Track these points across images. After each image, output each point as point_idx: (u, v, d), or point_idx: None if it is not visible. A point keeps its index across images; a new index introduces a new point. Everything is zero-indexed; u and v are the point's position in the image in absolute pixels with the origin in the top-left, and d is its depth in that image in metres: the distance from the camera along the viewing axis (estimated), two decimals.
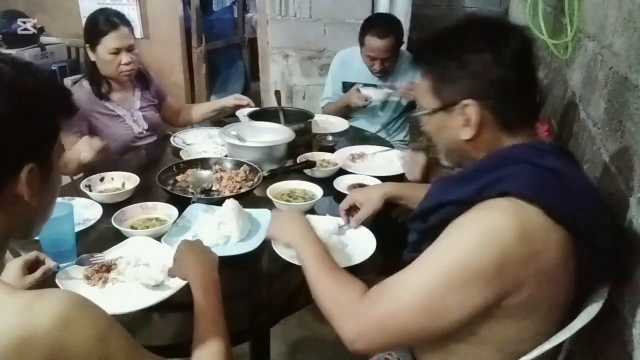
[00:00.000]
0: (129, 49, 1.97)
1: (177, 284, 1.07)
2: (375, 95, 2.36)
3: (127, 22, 2.00)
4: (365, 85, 2.43)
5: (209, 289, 0.93)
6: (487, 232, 0.80)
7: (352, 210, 1.40)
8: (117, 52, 1.93)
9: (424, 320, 0.81)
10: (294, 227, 1.11)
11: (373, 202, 1.35)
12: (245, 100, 2.24)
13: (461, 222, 0.85)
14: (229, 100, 2.29)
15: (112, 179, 1.64)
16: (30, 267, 1.04)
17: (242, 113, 2.24)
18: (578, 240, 0.83)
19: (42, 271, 1.04)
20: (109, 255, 1.20)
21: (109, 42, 1.92)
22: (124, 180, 1.63)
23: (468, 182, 0.90)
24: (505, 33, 0.92)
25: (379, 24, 2.36)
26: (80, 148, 1.71)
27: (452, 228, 0.85)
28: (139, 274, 1.11)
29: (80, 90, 1.95)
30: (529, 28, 0.97)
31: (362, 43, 2.39)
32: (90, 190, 1.54)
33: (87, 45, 1.96)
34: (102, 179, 1.63)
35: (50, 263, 1.07)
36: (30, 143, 0.68)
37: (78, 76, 2.09)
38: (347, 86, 2.56)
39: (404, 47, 2.55)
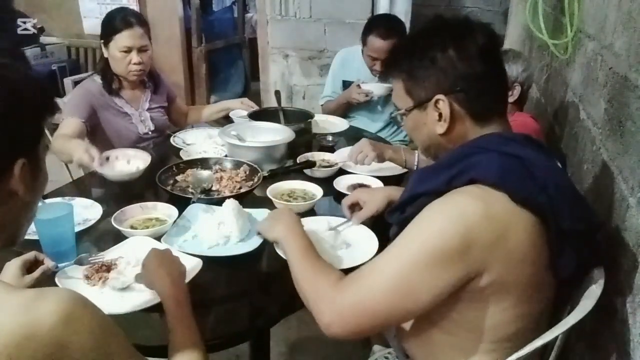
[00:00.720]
0: (141, 49, 1.97)
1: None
2: (376, 90, 2.36)
3: (143, 23, 2.02)
4: (364, 82, 2.44)
5: (180, 300, 0.94)
6: (453, 215, 0.84)
7: (354, 207, 1.41)
8: (128, 50, 1.95)
9: (394, 301, 0.84)
10: (281, 223, 1.15)
11: (377, 202, 1.37)
12: (250, 106, 2.23)
13: (429, 207, 0.88)
14: (235, 104, 2.30)
15: (117, 157, 1.75)
16: (29, 267, 1.04)
17: (236, 114, 2.24)
18: (546, 223, 0.86)
19: (41, 271, 1.04)
20: (109, 255, 1.20)
21: (121, 40, 1.94)
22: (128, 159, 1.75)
23: (439, 173, 0.94)
24: (470, 30, 0.96)
25: (382, 25, 2.36)
26: (78, 149, 1.65)
27: (422, 212, 0.89)
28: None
29: (92, 82, 2.00)
30: (491, 25, 1.00)
31: (364, 42, 2.40)
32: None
33: (102, 41, 1.99)
34: (107, 158, 1.71)
35: (49, 263, 1.07)
36: (21, 139, 0.70)
37: (80, 75, 2.12)
38: (347, 85, 2.56)
39: None
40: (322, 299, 0.90)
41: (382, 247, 1.29)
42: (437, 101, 0.95)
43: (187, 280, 1.07)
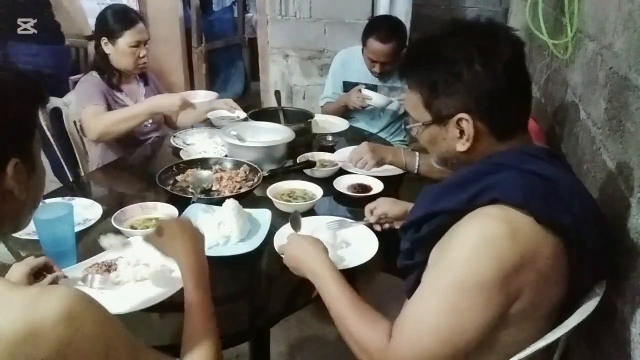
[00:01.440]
0: (146, 44, 2.07)
1: (176, 285, 1.07)
2: (376, 98, 2.35)
3: (142, 18, 2.11)
4: (367, 86, 2.44)
5: (199, 276, 0.92)
6: (482, 243, 0.81)
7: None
8: (137, 45, 2.02)
9: (447, 349, 0.81)
10: (310, 258, 1.07)
11: (395, 213, 1.36)
12: (233, 107, 2.19)
13: (455, 235, 0.85)
14: (219, 104, 2.27)
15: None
16: (36, 272, 1.03)
17: (215, 115, 2.22)
18: (569, 243, 0.85)
19: (50, 279, 1.02)
20: (109, 255, 1.20)
21: (131, 36, 2.00)
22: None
23: (458, 190, 0.89)
24: (496, 40, 0.90)
25: (383, 27, 2.34)
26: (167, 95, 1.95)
27: (448, 244, 0.86)
28: (137, 274, 1.12)
29: (91, 79, 2.02)
30: (517, 30, 0.95)
31: (364, 43, 2.39)
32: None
33: (104, 38, 2.01)
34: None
35: (58, 271, 1.05)
36: (11, 138, 0.70)
37: (80, 75, 2.14)
38: (347, 85, 2.55)
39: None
40: (370, 353, 0.87)
41: (382, 248, 1.29)
42: (459, 119, 0.90)
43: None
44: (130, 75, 2.13)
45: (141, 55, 2.05)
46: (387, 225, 1.38)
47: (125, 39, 2.00)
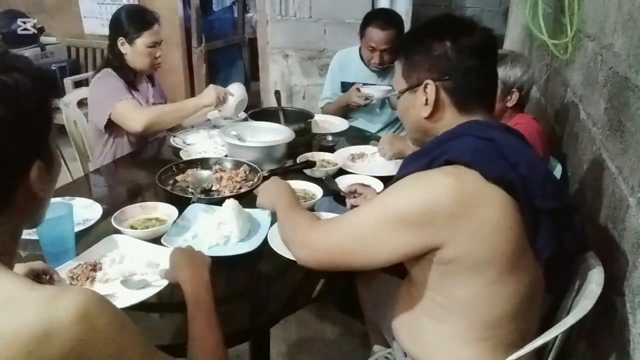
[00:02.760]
0: (160, 44, 2.10)
1: (161, 282, 1.07)
2: (375, 93, 2.35)
3: (158, 20, 2.12)
4: (365, 84, 2.43)
5: (199, 291, 0.95)
6: (423, 185, 0.91)
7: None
8: (154, 45, 2.05)
9: (355, 247, 0.96)
10: (273, 190, 1.30)
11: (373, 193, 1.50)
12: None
13: (406, 177, 0.96)
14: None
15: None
16: (35, 277, 1.02)
17: (213, 115, 2.24)
18: (516, 200, 0.89)
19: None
20: (92, 255, 1.19)
21: (150, 36, 2.03)
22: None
23: (421, 157, 1.00)
24: (471, 28, 1.03)
25: (381, 16, 2.37)
26: (207, 93, 1.99)
27: (399, 182, 0.97)
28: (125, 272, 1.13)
29: (110, 75, 2.02)
30: (491, 29, 1.06)
31: (362, 35, 2.39)
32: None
33: (121, 38, 2.02)
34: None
35: (57, 277, 1.05)
36: (34, 143, 0.70)
37: (80, 75, 2.14)
38: (345, 86, 2.55)
39: None
40: (298, 234, 1.07)
41: None
42: (425, 85, 1.02)
43: None
44: (141, 75, 2.15)
45: (157, 55, 2.08)
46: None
47: (144, 40, 2.02)
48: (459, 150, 0.93)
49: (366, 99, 2.34)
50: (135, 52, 2.03)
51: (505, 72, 1.62)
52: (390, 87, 2.36)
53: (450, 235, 0.88)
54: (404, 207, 0.91)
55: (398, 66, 1.10)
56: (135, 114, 1.93)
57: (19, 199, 0.69)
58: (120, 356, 0.66)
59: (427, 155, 0.98)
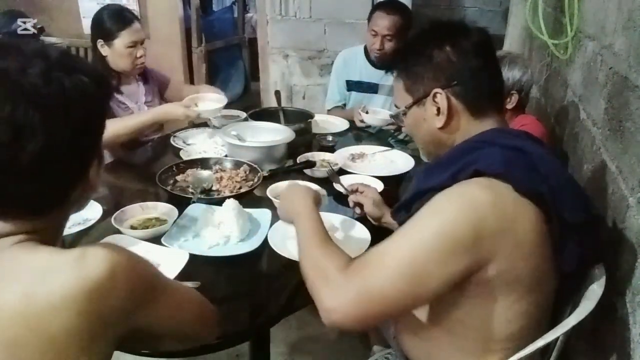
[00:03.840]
0: (142, 43, 2.05)
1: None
2: (374, 122, 2.27)
3: (137, 18, 2.09)
4: (368, 85, 2.43)
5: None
6: (464, 203, 0.84)
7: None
8: (134, 45, 2.00)
9: (404, 286, 0.82)
10: (294, 202, 1.13)
11: (374, 216, 1.42)
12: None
13: (440, 195, 0.88)
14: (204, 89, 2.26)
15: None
16: None
17: (215, 115, 2.23)
18: (548, 213, 0.86)
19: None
20: None
21: (127, 36, 1.98)
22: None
23: (443, 168, 0.94)
24: (465, 29, 1.01)
25: (389, 3, 2.39)
26: (174, 110, 1.93)
27: (432, 201, 0.88)
28: None
29: None
30: (484, 28, 1.05)
31: (369, 20, 2.40)
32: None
33: (100, 40, 1.99)
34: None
35: None
36: (97, 141, 0.75)
37: None
38: (350, 84, 2.56)
39: None
40: (327, 282, 0.85)
41: (375, 243, 1.29)
42: (434, 95, 0.98)
43: (176, 274, 1.10)
44: (129, 76, 2.11)
45: (138, 55, 2.02)
46: (358, 210, 1.44)
47: (122, 40, 1.98)
48: (489, 161, 0.88)
49: (362, 122, 2.28)
50: (115, 53, 1.99)
51: (504, 74, 1.61)
52: (389, 120, 2.30)
53: (495, 254, 0.83)
54: (450, 230, 0.82)
55: (398, 83, 1.06)
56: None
57: (77, 193, 0.74)
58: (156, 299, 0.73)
59: (451, 165, 0.93)
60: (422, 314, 1.01)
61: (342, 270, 0.85)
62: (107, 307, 0.65)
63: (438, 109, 0.99)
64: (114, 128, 1.87)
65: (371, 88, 2.52)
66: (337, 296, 0.83)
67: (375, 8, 2.41)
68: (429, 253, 0.82)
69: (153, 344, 0.89)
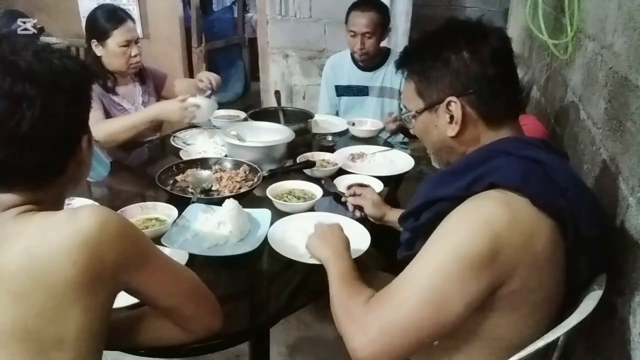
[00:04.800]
0: (136, 42, 2.02)
1: None
2: (363, 134, 2.21)
3: (130, 16, 2.06)
4: (358, 88, 2.45)
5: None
6: (480, 221, 0.82)
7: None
8: (127, 44, 1.98)
9: (427, 314, 0.80)
10: (327, 244, 1.10)
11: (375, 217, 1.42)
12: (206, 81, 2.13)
13: (454, 214, 0.86)
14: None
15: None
16: None
17: (214, 115, 2.22)
18: (564, 227, 0.85)
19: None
20: None
21: (120, 35, 1.96)
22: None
23: (457, 177, 0.91)
24: (483, 33, 0.95)
25: (363, 1, 2.37)
26: (172, 111, 1.90)
27: (446, 222, 0.86)
28: None
29: None
30: (505, 29, 0.99)
31: (346, 22, 2.38)
32: None
33: (94, 40, 1.98)
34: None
35: None
36: (84, 119, 0.84)
37: None
38: (339, 89, 2.55)
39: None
40: (351, 319, 0.85)
41: (375, 243, 1.30)
42: (449, 103, 0.94)
43: None
44: (125, 76, 2.08)
45: (132, 54, 2.00)
46: (358, 213, 1.44)
47: (115, 39, 1.95)
48: (506, 173, 0.86)
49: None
50: (108, 53, 1.97)
51: None
52: (376, 128, 2.27)
53: (514, 270, 0.82)
54: (468, 251, 0.80)
55: (409, 84, 1.01)
56: (94, 129, 1.87)
57: (71, 167, 0.82)
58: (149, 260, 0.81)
59: (464, 175, 0.90)
60: None
61: (363, 304, 0.86)
62: (98, 258, 0.72)
63: (451, 117, 0.95)
64: (110, 127, 1.87)
65: (361, 91, 2.51)
66: (362, 335, 0.82)
67: (350, 9, 2.38)
68: (447, 277, 0.80)
69: (155, 331, 0.92)
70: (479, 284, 0.80)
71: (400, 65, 1.04)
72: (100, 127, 1.83)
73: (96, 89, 1.95)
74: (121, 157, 2.00)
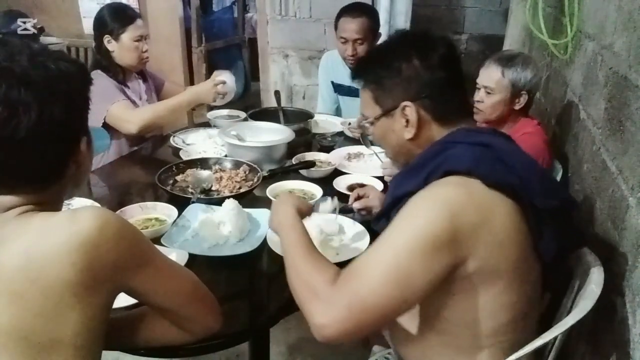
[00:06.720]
0: (146, 38, 2.10)
1: None
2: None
3: (139, 14, 2.17)
4: (350, 89, 2.45)
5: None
6: (439, 202, 0.86)
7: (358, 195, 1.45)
8: (140, 39, 2.05)
9: (393, 292, 0.83)
10: (279, 214, 1.10)
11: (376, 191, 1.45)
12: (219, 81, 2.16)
13: (415, 198, 0.90)
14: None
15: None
16: None
17: (212, 115, 2.25)
18: (520, 203, 0.89)
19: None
20: None
21: (135, 30, 2.03)
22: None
23: (416, 172, 0.97)
24: (431, 41, 1.03)
25: (352, 7, 2.35)
26: (205, 92, 2.05)
27: (407, 205, 0.90)
28: None
29: (100, 77, 2.00)
30: (448, 36, 1.09)
31: (336, 28, 2.36)
32: None
33: (107, 36, 2.02)
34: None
35: None
36: (82, 121, 0.83)
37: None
38: (335, 87, 2.54)
39: None
40: (317, 297, 0.85)
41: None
42: (404, 108, 1.00)
43: None
44: (131, 72, 2.14)
45: (144, 49, 2.08)
46: (364, 212, 1.42)
47: (129, 34, 2.02)
48: (457, 160, 0.91)
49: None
50: (122, 48, 2.03)
51: (517, 74, 1.60)
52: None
53: (474, 248, 0.85)
54: (430, 230, 0.83)
55: (366, 93, 1.07)
56: (130, 116, 1.95)
57: (70, 169, 0.82)
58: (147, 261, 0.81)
59: (422, 169, 0.96)
60: (411, 318, 1.02)
61: (330, 284, 0.85)
62: (97, 260, 0.72)
63: (407, 121, 1.01)
64: (155, 109, 2.01)
65: (353, 92, 2.48)
66: (329, 312, 0.83)
67: (339, 15, 2.34)
68: (411, 255, 0.83)
69: (155, 331, 0.92)
70: (440, 261, 0.84)
71: (355, 75, 1.11)
72: (143, 110, 2.01)
73: (113, 82, 2.02)
74: (127, 152, 2.04)
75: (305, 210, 1.16)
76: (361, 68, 1.10)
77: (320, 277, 0.88)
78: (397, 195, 1.00)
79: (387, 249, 0.86)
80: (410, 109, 1.00)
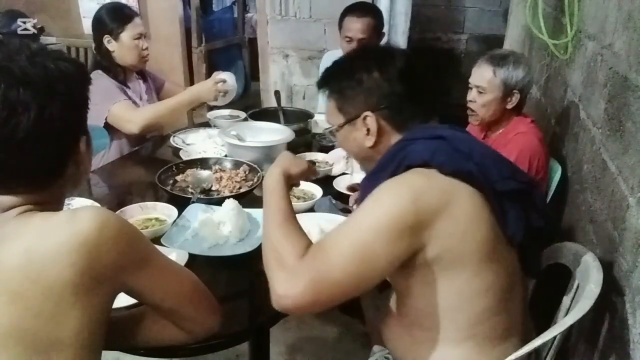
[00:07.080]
0: (145, 36, 2.11)
1: None
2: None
3: (137, 13, 2.17)
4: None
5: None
6: (403, 188, 0.91)
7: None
8: (139, 37, 2.06)
9: (355, 269, 0.86)
10: (268, 176, 1.10)
11: None
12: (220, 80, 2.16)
13: (381, 186, 0.94)
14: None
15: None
16: None
17: (212, 115, 2.25)
18: (480, 188, 0.92)
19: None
20: None
21: (134, 28, 2.04)
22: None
23: (381, 172, 1.01)
24: (391, 55, 1.09)
25: (357, 7, 2.36)
26: (206, 91, 2.04)
27: (373, 192, 0.93)
28: None
29: (101, 77, 2.00)
30: (407, 51, 1.12)
31: (340, 27, 2.36)
32: None
33: (107, 36, 2.02)
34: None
35: None
36: (81, 120, 0.84)
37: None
38: None
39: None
40: (282, 267, 0.88)
41: None
42: (365, 117, 1.05)
43: None
44: (132, 72, 2.14)
45: (144, 47, 2.08)
46: None
47: (128, 33, 2.02)
48: (416, 154, 0.96)
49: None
50: (122, 47, 2.03)
51: (508, 73, 1.61)
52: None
53: (434, 232, 0.89)
54: (395, 211, 0.88)
55: (331, 102, 1.12)
56: (132, 116, 1.95)
57: (70, 168, 0.82)
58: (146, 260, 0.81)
59: (386, 168, 1.00)
60: (398, 318, 1.06)
61: (298, 257, 0.88)
62: (96, 260, 0.72)
63: (368, 130, 1.05)
64: (156, 109, 2.02)
65: None
66: (291, 283, 0.85)
67: (343, 14, 2.34)
68: (376, 234, 0.87)
69: (155, 331, 0.92)
70: (402, 242, 0.88)
71: (321, 85, 1.15)
72: (144, 110, 2.01)
73: (113, 82, 2.02)
74: (128, 152, 2.04)
75: (298, 173, 1.14)
76: (326, 78, 1.14)
77: (291, 247, 0.91)
78: (364, 197, 1.01)
79: (353, 228, 0.90)
80: (370, 119, 1.04)
